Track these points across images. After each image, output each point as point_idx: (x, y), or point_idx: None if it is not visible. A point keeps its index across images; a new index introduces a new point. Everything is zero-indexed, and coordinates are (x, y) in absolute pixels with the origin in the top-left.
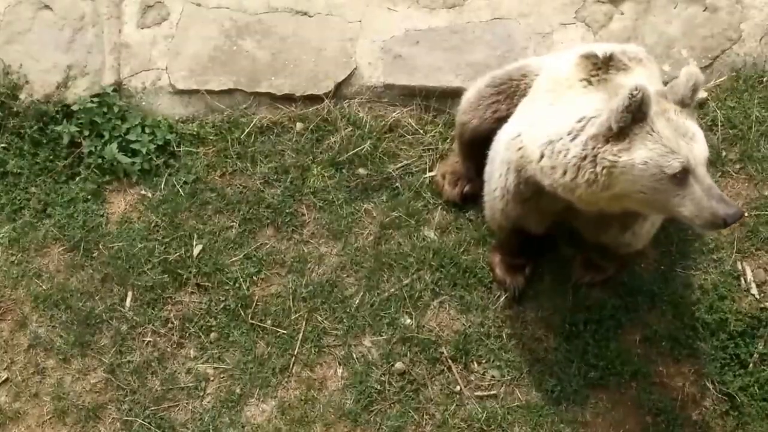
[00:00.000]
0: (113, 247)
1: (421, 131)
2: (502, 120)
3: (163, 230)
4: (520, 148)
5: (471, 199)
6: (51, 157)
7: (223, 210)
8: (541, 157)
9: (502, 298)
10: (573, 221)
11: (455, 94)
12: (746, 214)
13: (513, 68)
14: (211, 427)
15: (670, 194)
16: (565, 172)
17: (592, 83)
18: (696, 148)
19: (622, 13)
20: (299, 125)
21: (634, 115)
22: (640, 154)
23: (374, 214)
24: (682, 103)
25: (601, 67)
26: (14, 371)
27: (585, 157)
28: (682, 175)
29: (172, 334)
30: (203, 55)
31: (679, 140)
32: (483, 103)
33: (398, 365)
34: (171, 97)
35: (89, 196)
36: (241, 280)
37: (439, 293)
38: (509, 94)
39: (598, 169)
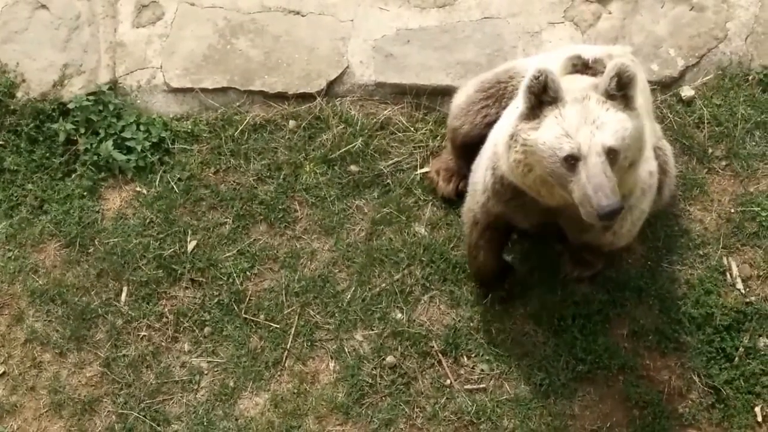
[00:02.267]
0: (109, 243)
1: (412, 129)
2: (491, 124)
3: (157, 226)
4: (495, 145)
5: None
6: (47, 155)
7: (217, 206)
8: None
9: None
10: (558, 220)
11: (445, 92)
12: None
13: (501, 70)
14: (205, 420)
15: (566, 178)
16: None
17: None
18: (597, 136)
19: (610, 13)
20: (292, 123)
21: (542, 98)
22: (541, 133)
23: (366, 211)
24: (607, 94)
25: (582, 70)
26: (11, 365)
27: (512, 136)
28: (573, 161)
29: (167, 329)
30: (197, 53)
31: (582, 127)
32: (473, 109)
33: (389, 359)
34: (165, 95)
35: (85, 193)
36: (235, 275)
37: (430, 288)
38: (498, 97)
39: (518, 147)
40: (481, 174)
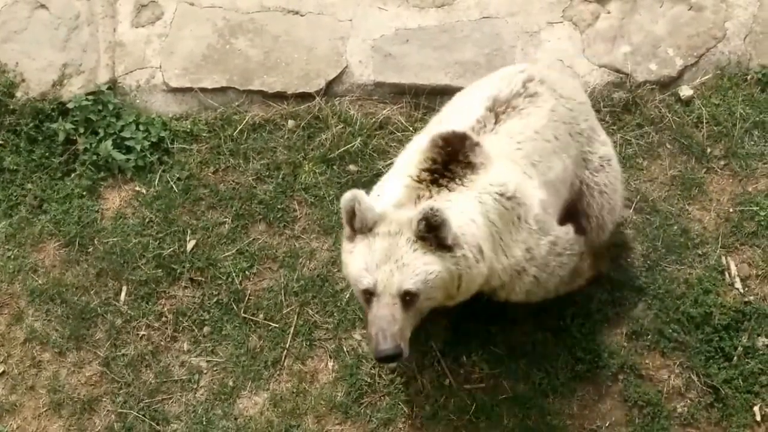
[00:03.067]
0: (108, 243)
1: (411, 128)
2: None
3: (157, 226)
4: None
5: None
6: (47, 154)
7: (216, 206)
8: None
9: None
10: None
11: (444, 91)
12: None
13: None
14: (204, 419)
15: (366, 307)
16: None
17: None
18: (396, 277)
19: (609, 12)
20: (291, 122)
21: (354, 226)
22: (351, 261)
23: None
24: (418, 234)
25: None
26: (11, 364)
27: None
28: (369, 296)
29: (166, 328)
30: (197, 53)
31: (384, 264)
32: None
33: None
34: (165, 95)
35: (84, 193)
36: (234, 274)
37: None
38: None
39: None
40: None
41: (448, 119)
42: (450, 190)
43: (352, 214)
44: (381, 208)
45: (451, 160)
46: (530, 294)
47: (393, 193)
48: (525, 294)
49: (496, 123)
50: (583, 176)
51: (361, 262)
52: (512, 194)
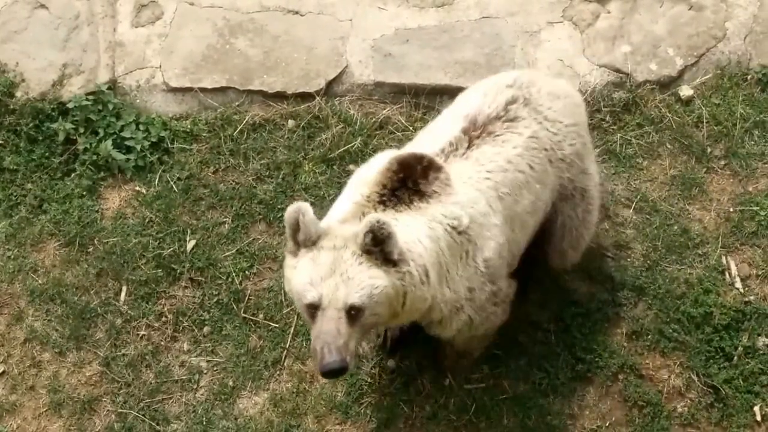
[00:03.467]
0: (108, 243)
1: (411, 128)
2: None
3: (157, 226)
4: None
5: None
6: (47, 154)
7: (216, 206)
8: None
9: None
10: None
11: (444, 91)
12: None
13: None
14: (204, 419)
15: (310, 323)
16: None
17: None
18: (341, 291)
19: (609, 12)
20: (291, 122)
21: (298, 240)
22: (295, 275)
23: None
24: (364, 248)
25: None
26: (11, 364)
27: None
28: (313, 310)
29: (166, 328)
30: (197, 53)
31: (329, 278)
32: None
33: (390, 363)
34: (165, 94)
35: (84, 192)
36: (234, 274)
37: None
38: None
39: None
40: None
41: (426, 135)
42: (397, 211)
43: (296, 227)
44: (325, 222)
45: (402, 186)
46: (460, 334)
47: (340, 209)
48: (457, 333)
49: (468, 147)
50: (555, 202)
51: (305, 276)
52: (464, 229)
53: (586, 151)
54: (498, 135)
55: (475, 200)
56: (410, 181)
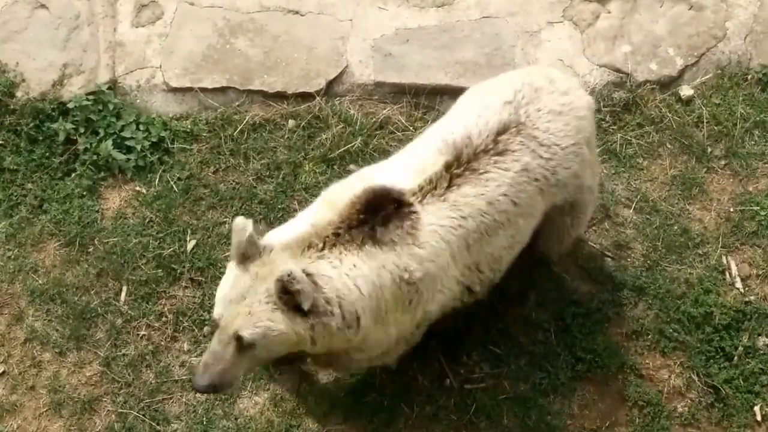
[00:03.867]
0: (108, 243)
1: (411, 128)
2: None
3: (157, 226)
4: None
5: None
6: (47, 154)
7: (217, 206)
8: None
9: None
10: None
11: (444, 91)
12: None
13: None
14: (204, 419)
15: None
16: None
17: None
18: (238, 321)
19: (609, 12)
20: (291, 122)
21: (236, 253)
22: (221, 282)
23: None
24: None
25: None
26: (11, 364)
27: None
28: (214, 325)
29: (167, 328)
30: (197, 53)
31: (236, 303)
32: None
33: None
34: (165, 94)
35: (85, 192)
36: None
37: None
38: None
39: None
40: None
41: (416, 150)
42: (345, 251)
43: (237, 242)
44: (274, 236)
45: (360, 225)
46: (356, 360)
47: (296, 227)
48: (358, 361)
49: (448, 187)
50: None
51: (221, 290)
52: (414, 281)
53: (584, 166)
54: (482, 173)
55: (438, 254)
56: (369, 225)
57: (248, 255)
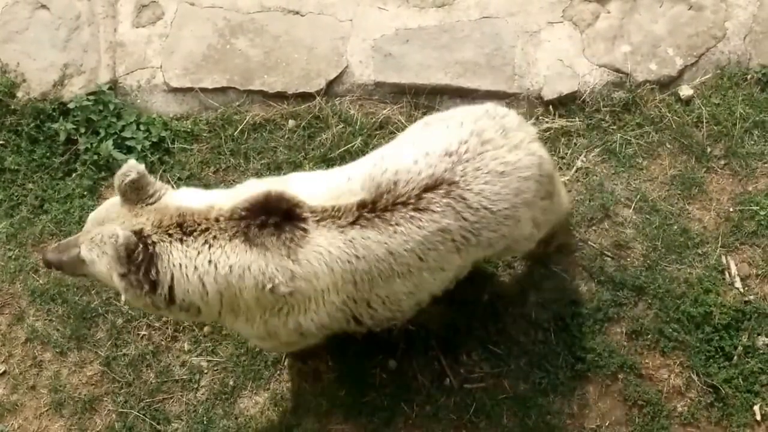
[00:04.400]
0: None
1: None
2: None
3: None
4: None
5: None
6: (48, 154)
7: None
8: None
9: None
10: None
11: (444, 91)
12: None
13: None
14: (205, 418)
15: None
16: None
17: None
18: (90, 226)
19: (609, 12)
20: (291, 122)
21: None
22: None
23: None
24: (121, 194)
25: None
26: (12, 364)
27: None
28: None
29: (167, 328)
30: (197, 53)
31: (96, 217)
32: None
33: (391, 363)
34: (165, 94)
35: (85, 192)
36: None
37: None
38: None
39: None
40: None
41: (341, 174)
42: (215, 240)
43: (120, 181)
44: (169, 197)
45: (236, 219)
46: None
47: (200, 197)
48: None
49: (352, 224)
50: None
51: (105, 205)
52: (282, 294)
53: (518, 226)
54: (393, 224)
55: (317, 276)
56: (245, 222)
57: (128, 197)
